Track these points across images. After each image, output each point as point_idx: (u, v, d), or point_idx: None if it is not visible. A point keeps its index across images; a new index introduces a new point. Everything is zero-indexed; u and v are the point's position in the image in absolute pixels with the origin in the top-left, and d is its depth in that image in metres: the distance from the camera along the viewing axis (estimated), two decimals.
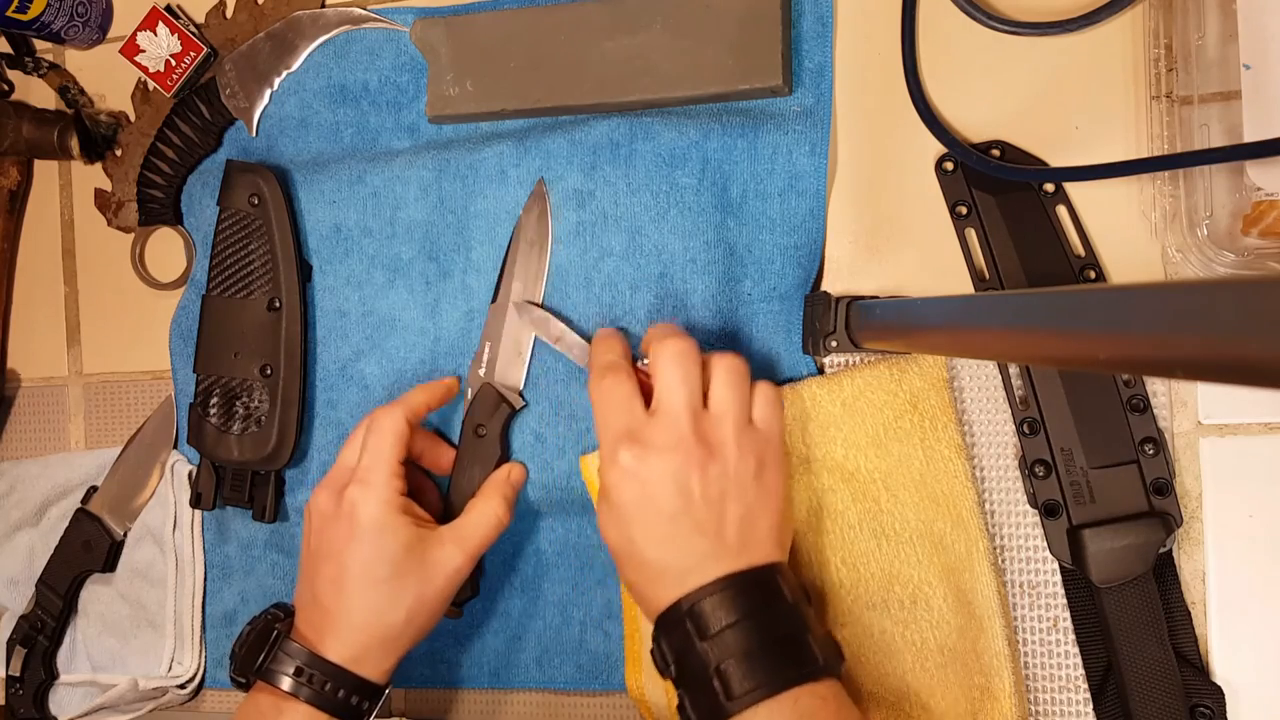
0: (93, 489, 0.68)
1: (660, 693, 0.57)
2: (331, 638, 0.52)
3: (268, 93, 0.66)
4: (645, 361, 0.52)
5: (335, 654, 0.52)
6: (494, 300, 0.61)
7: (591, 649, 0.60)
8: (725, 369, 0.50)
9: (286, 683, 0.51)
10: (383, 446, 0.54)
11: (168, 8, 0.67)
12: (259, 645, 0.53)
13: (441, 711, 0.63)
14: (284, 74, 0.66)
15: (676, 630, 0.47)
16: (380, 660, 0.52)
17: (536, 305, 0.59)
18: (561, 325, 0.58)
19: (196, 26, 0.67)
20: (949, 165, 0.55)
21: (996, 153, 0.55)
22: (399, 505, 0.53)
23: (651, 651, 0.49)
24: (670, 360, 0.49)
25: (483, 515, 0.55)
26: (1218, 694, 0.51)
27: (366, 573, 0.51)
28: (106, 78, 0.71)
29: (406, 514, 0.53)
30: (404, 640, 0.53)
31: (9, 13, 0.64)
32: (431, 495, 0.61)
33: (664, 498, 0.47)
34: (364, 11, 0.65)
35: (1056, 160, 0.54)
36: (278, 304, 0.62)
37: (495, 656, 0.61)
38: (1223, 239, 0.49)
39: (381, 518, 0.52)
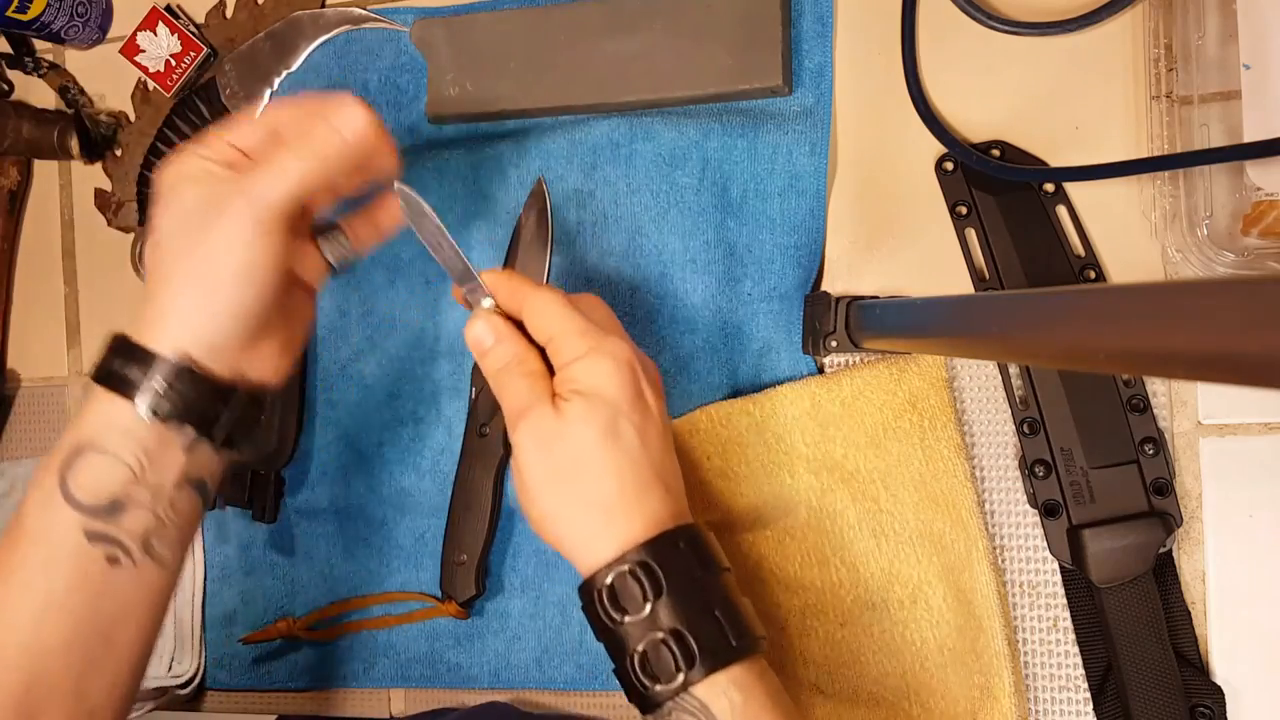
0: None
1: None
2: None
3: (268, 93, 0.66)
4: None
5: None
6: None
7: (591, 649, 0.60)
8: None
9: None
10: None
11: (168, 8, 0.67)
12: None
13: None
14: (284, 74, 0.66)
15: (668, 554, 0.43)
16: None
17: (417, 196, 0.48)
18: (443, 234, 0.48)
19: (196, 26, 0.67)
20: (949, 165, 0.55)
21: (996, 153, 0.55)
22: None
23: (629, 573, 0.43)
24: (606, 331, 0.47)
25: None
26: (1218, 694, 0.51)
27: None
28: (106, 78, 0.71)
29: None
30: None
31: (9, 13, 0.64)
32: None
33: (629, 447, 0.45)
34: (364, 11, 0.64)
35: (1056, 160, 0.54)
36: None
37: (495, 657, 0.61)
38: (1223, 239, 0.49)
39: None
